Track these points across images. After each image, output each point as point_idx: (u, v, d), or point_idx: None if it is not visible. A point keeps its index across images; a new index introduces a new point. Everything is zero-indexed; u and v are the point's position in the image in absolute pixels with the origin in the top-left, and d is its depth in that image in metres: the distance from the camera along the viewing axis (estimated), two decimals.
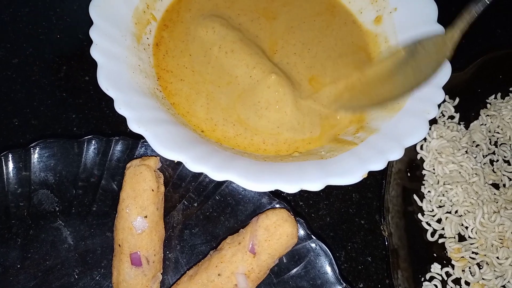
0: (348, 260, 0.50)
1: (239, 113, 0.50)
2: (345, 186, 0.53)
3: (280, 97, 0.50)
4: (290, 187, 0.41)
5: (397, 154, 0.43)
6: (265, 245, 0.41)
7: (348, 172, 0.42)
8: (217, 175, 0.40)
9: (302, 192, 0.53)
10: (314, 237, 0.45)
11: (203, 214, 0.47)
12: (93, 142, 0.46)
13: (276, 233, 0.41)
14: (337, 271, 0.44)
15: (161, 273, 0.43)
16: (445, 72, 0.48)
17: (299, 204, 0.52)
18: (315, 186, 0.41)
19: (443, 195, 0.52)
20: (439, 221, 0.51)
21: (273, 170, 0.43)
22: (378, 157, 0.43)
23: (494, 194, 0.53)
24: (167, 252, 0.45)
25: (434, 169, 0.54)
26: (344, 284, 0.43)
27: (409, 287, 0.47)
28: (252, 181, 0.40)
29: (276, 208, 0.45)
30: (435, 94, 0.47)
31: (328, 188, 0.52)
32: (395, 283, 0.46)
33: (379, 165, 0.42)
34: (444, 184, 0.52)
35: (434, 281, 0.48)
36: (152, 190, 0.42)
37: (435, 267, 0.49)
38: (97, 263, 0.44)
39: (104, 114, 0.54)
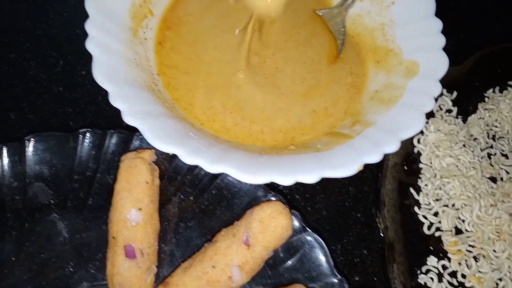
0: (344, 253, 0.50)
1: (236, 100, 0.50)
2: (341, 179, 0.54)
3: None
4: (285, 179, 0.40)
5: (393, 146, 0.43)
6: (259, 237, 0.40)
7: (344, 164, 0.42)
8: (212, 168, 0.40)
9: (298, 186, 0.53)
10: (309, 230, 0.44)
11: (198, 207, 0.47)
12: (88, 135, 0.46)
13: (270, 225, 0.41)
14: (332, 263, 0.44)
15: (156, 266, 0.43)
16: (442, 65, 0.48)
17: (295, 198, 0.52)
18: (311, 178, 0.40)
19: (440, 188, 0.52)
20: (435, 214, 0.51)
21: (268, 162, 0.43)
22: (374, 150, 0.43)
23: (492, 187, 0.52)
24: (163, 245, 0.45)
25: (431, 163, 0.53)
26: (339, 276, 0.43)
27: (405, 280, 0.47)
28: (247, 173, 0.40)
29: (271, 200, 0.45)
30: (432, 87, 0.47)
31: (324, 182, 0.52)
32: (391, 276, 0.46)
33: (375, 158, 0.42)
34: (441, 177, 0.52)
35: (430, 274, 0.48)
36: (147, 183, 0.42)
37: (432, 260, 0.49)
38: (92, 256, 0.44)
39: (101, 108, 0.54)
